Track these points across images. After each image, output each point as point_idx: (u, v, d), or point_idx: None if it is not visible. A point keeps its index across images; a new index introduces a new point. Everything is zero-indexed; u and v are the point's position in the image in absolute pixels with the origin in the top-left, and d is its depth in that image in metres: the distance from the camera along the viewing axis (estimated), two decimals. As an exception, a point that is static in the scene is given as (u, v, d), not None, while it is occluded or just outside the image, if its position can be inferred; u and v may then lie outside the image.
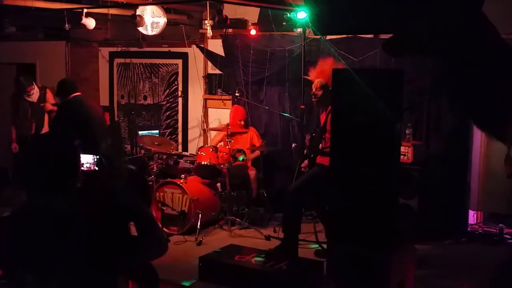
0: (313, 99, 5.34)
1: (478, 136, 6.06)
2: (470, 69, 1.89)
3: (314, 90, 5.27)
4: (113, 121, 8.64)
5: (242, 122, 6.76)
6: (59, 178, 2.07)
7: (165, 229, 6.04)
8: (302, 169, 5.50)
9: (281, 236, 5.45)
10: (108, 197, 2.09)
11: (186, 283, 4.87)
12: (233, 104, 7.26)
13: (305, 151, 5.50)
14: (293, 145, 6.42)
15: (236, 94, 7.06)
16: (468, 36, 1.84)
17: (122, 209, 2.10)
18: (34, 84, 7.35)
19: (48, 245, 1.98)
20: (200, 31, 7.48)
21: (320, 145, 5.30)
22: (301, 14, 5.98)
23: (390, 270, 3.85)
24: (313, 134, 5.44)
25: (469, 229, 6.16)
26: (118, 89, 8.78)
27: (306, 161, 5.46)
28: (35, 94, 7.22)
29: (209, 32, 6.81)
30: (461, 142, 6.06)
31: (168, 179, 6.27)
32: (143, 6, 6.33)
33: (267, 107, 6.99)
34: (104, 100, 8.80)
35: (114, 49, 8.66)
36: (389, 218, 3.88)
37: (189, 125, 8.19)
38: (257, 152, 6.80)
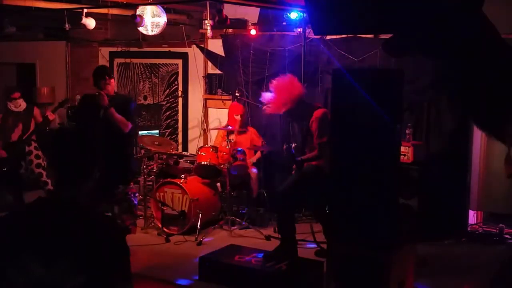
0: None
1: (478, 136, 6.06)
2: (470, 69, 1.89)
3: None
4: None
5: (239, 117, 6.67)
6: (88, 168, 2.08)
7: (165, 229, 6.05)
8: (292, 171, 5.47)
9: (281, 236, 5.45)
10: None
11: (186, 283, 4.88)
12: (232, 103, 7.26)
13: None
14: (284, 146, 6.37)
15: (236, 94, 7.05)
16: (468, 36, 1.84)
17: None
18: (20, 96, 6.81)
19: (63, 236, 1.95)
20: (200, 31, 7.48)
21: (303, 156, 5.19)
22: (300, 14, 5.99)
23: (390, 270, 3.85)
24: (290, 144, 5.33)
25: (469, 229, 6.16)
26: (118, 89, 8.77)
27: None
28: (22, 105, 6.77)
29: (209, 32, 6.80)
30: (461, 142, 6.07)
31: (168, 179, 6.27)
32: (143, 6, 6.33)
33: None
34: (104, 100, 8.81)
35: (114, 49, 8.66)
36: (389, 218, 3.88)
37: (189, 125, 8.19)
38: (258, 154, 6.79)
